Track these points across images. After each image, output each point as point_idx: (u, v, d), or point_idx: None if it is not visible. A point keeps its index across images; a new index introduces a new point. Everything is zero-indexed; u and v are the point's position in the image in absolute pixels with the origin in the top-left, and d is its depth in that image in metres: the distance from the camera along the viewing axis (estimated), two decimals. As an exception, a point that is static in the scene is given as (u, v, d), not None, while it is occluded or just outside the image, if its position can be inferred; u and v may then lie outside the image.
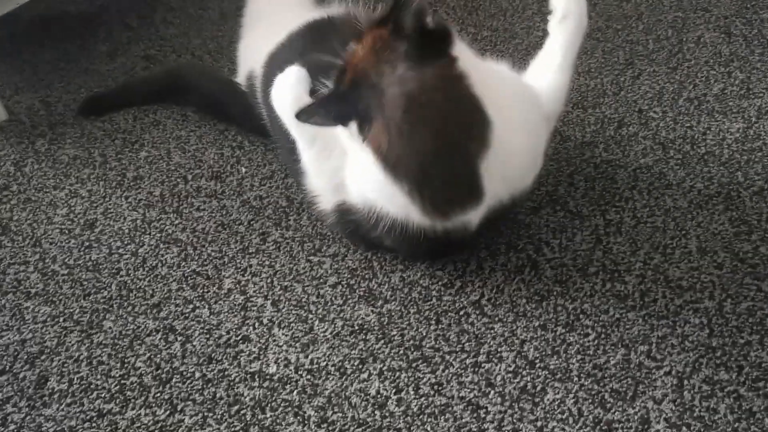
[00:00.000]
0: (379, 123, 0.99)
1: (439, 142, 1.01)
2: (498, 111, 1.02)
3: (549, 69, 1.20)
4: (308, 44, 1.25)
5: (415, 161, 1.01)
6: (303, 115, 1.04)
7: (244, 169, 1.43)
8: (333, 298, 1.18)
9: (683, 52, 1.56)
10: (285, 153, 1.29)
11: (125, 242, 1.32)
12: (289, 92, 1.12)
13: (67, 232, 1.35)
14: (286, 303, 1.18)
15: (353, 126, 1.02)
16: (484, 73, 1.04)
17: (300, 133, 1.14)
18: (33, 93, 1.69)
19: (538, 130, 1.14)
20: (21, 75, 1.75)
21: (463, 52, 1.03)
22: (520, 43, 1.64)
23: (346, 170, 1.12)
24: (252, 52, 1.42)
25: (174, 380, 1.09)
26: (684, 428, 0.95)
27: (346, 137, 1.06)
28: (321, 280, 1.21)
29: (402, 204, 1.04)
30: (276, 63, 1.28)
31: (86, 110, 1.61)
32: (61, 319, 1.20)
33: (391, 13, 1.01)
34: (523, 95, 1.14)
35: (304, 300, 1.19)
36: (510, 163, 1.06)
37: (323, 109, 1.04)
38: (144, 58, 1.76)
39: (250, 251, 1.28)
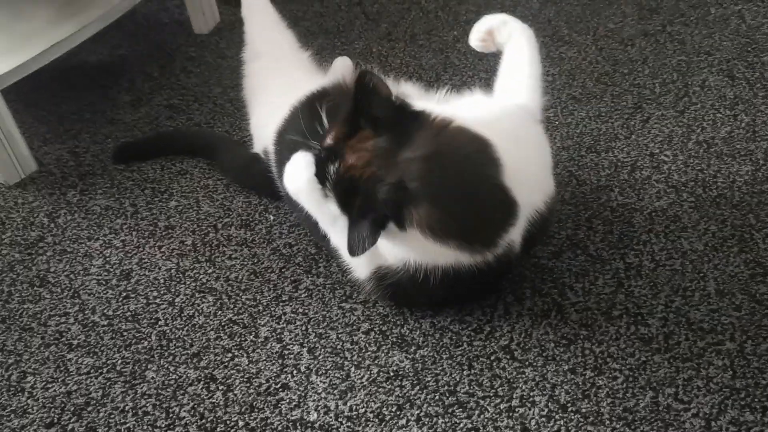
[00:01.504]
0: (414, 210, 1.04)
1: (466, 190, 1.07)
2: (492, 132, 1.07)
3: (519, 70, 1.25)
4: (306, 120, 1.27)
5: (455, 220, 1.06)
6: (358, 250, 1.05)
7: (272, 217, 1.48)
8: (367, 345, 1.23)
9: (689, 95, 1.63)
10: (311, 228, 1.32)
11: (161, 292, 1.36)
12: (300, 178, 1.16)
13: (104, 282, 1.39)
14: (322, 350, 1.23)
15: (391, 226, 1.06)
16: (456, 110, 1.10)
17: (321, 214, 1.20)
18: (60, 144, 1.74)
19: (531, 132, 1.19)
20: (47, 126, 1.80)
21: (424, 103, 1.11)
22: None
23: (380, 243, 1.14)
24: (263, 130, 1.45)
25: (218, 429, 1.13)
26: (714, 469, 1.00)
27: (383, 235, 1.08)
28: (354, 327, 1.26)
29: (451, 255, 1.09)
30: (283, 141, 1.32)
31: (119, 158, 1.67)
32: (105, 370, 1.24)
33: (361, 114, 1.07)
34: (502, 109, 1.19)
35: (339, 347, 1.23)
36: (525, 169, 1.11)
37: (367, 232, 1.04)
38: (167, 107, 1.82)
39: (284, 299, 1.32)
